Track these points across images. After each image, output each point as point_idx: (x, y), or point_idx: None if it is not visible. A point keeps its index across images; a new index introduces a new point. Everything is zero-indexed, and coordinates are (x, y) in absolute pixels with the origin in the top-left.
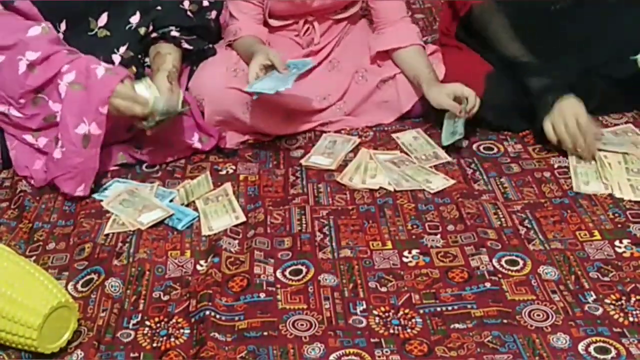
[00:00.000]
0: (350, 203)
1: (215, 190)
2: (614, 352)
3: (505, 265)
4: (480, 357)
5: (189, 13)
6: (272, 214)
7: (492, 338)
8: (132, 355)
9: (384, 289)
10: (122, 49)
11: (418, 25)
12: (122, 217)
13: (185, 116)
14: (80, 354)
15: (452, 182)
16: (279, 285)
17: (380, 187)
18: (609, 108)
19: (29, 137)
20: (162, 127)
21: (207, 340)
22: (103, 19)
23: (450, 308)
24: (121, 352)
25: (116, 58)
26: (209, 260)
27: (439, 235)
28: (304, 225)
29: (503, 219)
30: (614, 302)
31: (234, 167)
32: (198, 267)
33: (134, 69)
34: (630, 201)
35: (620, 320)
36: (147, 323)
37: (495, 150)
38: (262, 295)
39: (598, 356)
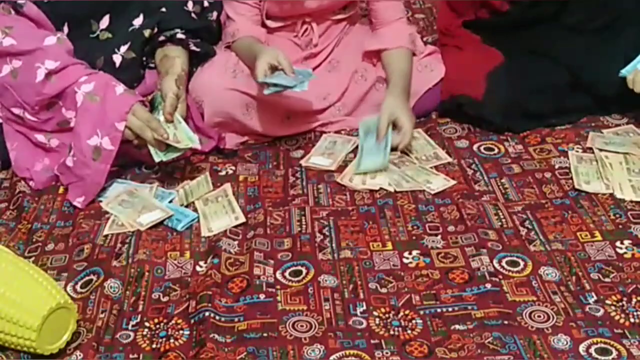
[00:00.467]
0: (350, 204)
1: (214, 191)
2: (615, 353)
3: (505, 266)
4: (481, 358)
5: (193, 15)
6: (271, 214)
7: (493, 339)
8: (131, 356)
9: (384, 290)
10: (123, 49)
11: (418, 25)
12: (122, 218)
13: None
14: (80, 355)
15: (453, 182)
16: (278, 286)
17: (381, 188)
18: (608, 109)
19: (40, 137)
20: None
21: (207, 342)
22: (105, 21)
23: (450, 309)
24: (120, 353)
25: (117, 58)
26: (208, 261)
27: (439, 236)
28: (304, 226)
29: (504, 220)
30: (614, 303)
31: (233, 168)
32: (197, 268)
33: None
34: (631, 202)
35: (621, 321)
36: (147, 324)
37: (496, 150)
38: (262, 296)
39: (599, 357)
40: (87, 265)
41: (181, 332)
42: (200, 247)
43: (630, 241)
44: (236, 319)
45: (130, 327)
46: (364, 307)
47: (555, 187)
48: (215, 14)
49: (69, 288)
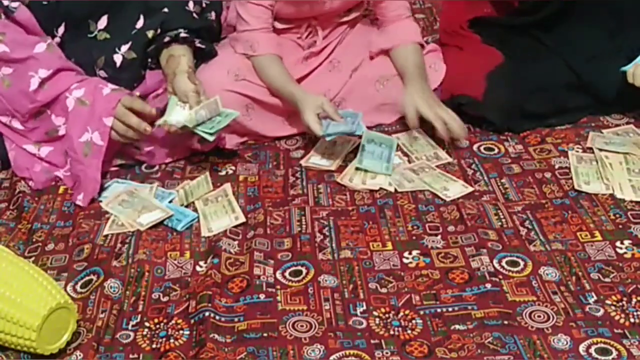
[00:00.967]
0: (350, 204)
1: (214, 191)
2: (615, 353)
3: (505, 266)
4: (481, 358)
5: (194, 15)
6: (271, 214)
7: (493, 339)
8: (131, 356)
9: (384, 290)
10: (124, 49)
11: (418, 25)
12: (122, 218)
13: None
14: (80, 355)
15: (470, 189)
16: (278, 287)
17: (381, 188)
18: (608, 109)
19: (30, 147)
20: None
21: (207, 342)
22: (103, 21)
23: (450, 309)
24: (120, 353)
25: (117, 58)
26: (208, 261)
27: (439, 236)
28: (304, 226)
29: (504, 220)
30: (615, 303)
31: (233, 168)
32: (197, 268)
33: (137, 93)
34: (631, 202)
35: (622, 321)
36: (147, 324)
37: (496, 150)
38: (262, 296)
39: (599, 357)
40: (87, 265)
41: (181, 332)
42: (200, 247)
43: (630, 241)
44: (236, 319)
45: (130, 327)
46: (364, 307)
47: (555, 187)
48: (213, 14)
49: (69, 288)
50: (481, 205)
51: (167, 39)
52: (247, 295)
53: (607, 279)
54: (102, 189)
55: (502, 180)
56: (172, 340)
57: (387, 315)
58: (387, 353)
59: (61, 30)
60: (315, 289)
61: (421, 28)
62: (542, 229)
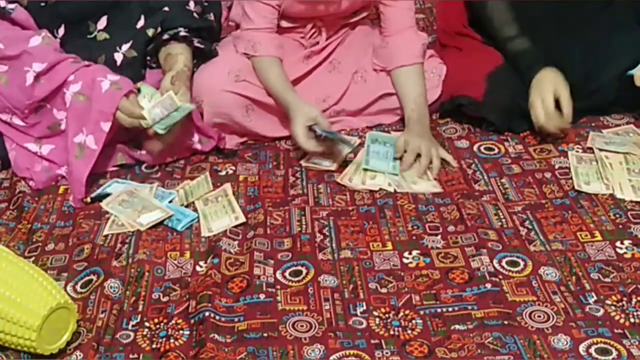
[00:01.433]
0: (350, 204)
1: (214, 191)
2: (615, 353)
3: (505, 266)
4: (481, 358)
5: (195, 14)
6: (271, 214)
7: (493, 339)
8: (131, 356)
9: (384, 290)
10: (125, 47)
11: (418, 25)
12: (122, 218)
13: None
14: (80, 355)
15: (439, 190)
16: (278, 287)
17: (381, 188)
18: (609, 110)
19: (31, 146)
20: (173, 131)
21: (207, 342)
22: (102, 22)
23: (450, 309)
24: (120, 353)
25: (118, 57)
26: (208, 261)
27: (439, 236)
28: (304, 226)
29: (504, 220)
30: (615, 303)
31: (233, 168)
32: (197, 268)
33: (138, 85)
34: (631, 202)
35: (621, 321)
36: (147, 324)
37: (496, 150)
38: (262, 296)
39: (599, 357)
40: (87, 265)
41: (181, 332)
42: (200, 247)
43: (630, 241)
44: (236, 319)
45: (130, 327)
46: (364, 307)
47: (555, 187)
48: (212, 15)
49: (69, 288)
50: (481, 205)
51: (166, 36)
52: (247, 295)
53: (607, 279)
54: (103, 189)
55: (502, 180)
56: (172, 340)
57: (387, 315)
58: (387, 353)
59: (61, 31)
60: (315, 289)
61: (420, 28)
62: (542, 229)
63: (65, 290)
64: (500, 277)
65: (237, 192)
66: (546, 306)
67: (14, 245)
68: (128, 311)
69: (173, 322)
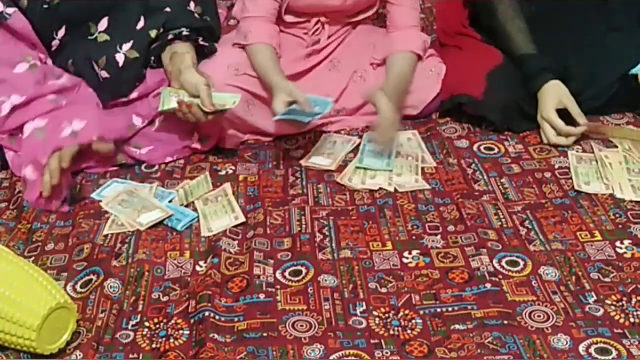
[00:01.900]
0: (350, 204)
1: (214, 190)
2: (615, 353)
3: (505, 266)
4: (481, 358)
5: (196, 15)
6: (271, 214)
7: (493, 339)
8: (131, 356)
9: (384, 290)
10: (126, 48)
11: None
12: (122, 218)
13: None
14: (80, 355)
15: (422, 186)
16: (278, 286)
17: (381, 188)
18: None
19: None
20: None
21: (207, 342)
22: (103, 23)
23: (450, 309)
24: (120, 353)
25: (120, 57)
26: (208, 261)
27: (439, 236)
28: (304, 226)
29: (504, 220)
30: (615, 303)
31: (233, 168)
32: (197, 268)
33: (112, 145)
34: (631, 202)
35: (622, 321)
36: (147, 324)
37: (496, 150)
38: (262, 296)
39: (599, 357)
40: (87, 265)
41: (181, 332)
42: (200, 247)
43: (630, 241)
44: (236, 319)
45: (130, 327)
46: (364, 307)
47: (555, 187)
48: (210, 16)
49: (69, 288)
50: (481, 205)
51: (170, 36)
52: (247, 295)
53: (607, 279)
54: (102, 189)
55: (502, 180)
56: (172, 340)
57: (387, 315)
58: (387, 353)
59: (61, 33)
60: (315, 289)
61: (421, 28)
62: (542, 229)
63: (65, 290)
64: (500, 277)
65: (237, 192)
66: (546, 306)
67: (14, 245)
68: (128, 311)
69: (173, 322)
